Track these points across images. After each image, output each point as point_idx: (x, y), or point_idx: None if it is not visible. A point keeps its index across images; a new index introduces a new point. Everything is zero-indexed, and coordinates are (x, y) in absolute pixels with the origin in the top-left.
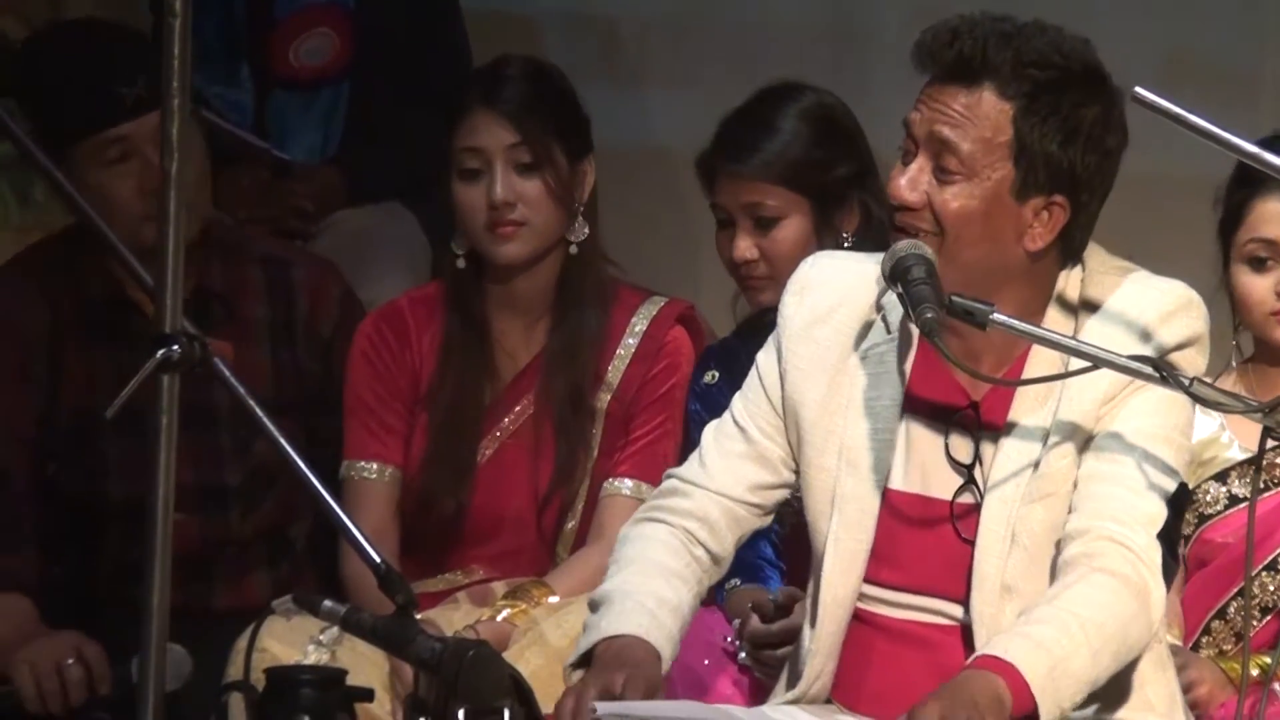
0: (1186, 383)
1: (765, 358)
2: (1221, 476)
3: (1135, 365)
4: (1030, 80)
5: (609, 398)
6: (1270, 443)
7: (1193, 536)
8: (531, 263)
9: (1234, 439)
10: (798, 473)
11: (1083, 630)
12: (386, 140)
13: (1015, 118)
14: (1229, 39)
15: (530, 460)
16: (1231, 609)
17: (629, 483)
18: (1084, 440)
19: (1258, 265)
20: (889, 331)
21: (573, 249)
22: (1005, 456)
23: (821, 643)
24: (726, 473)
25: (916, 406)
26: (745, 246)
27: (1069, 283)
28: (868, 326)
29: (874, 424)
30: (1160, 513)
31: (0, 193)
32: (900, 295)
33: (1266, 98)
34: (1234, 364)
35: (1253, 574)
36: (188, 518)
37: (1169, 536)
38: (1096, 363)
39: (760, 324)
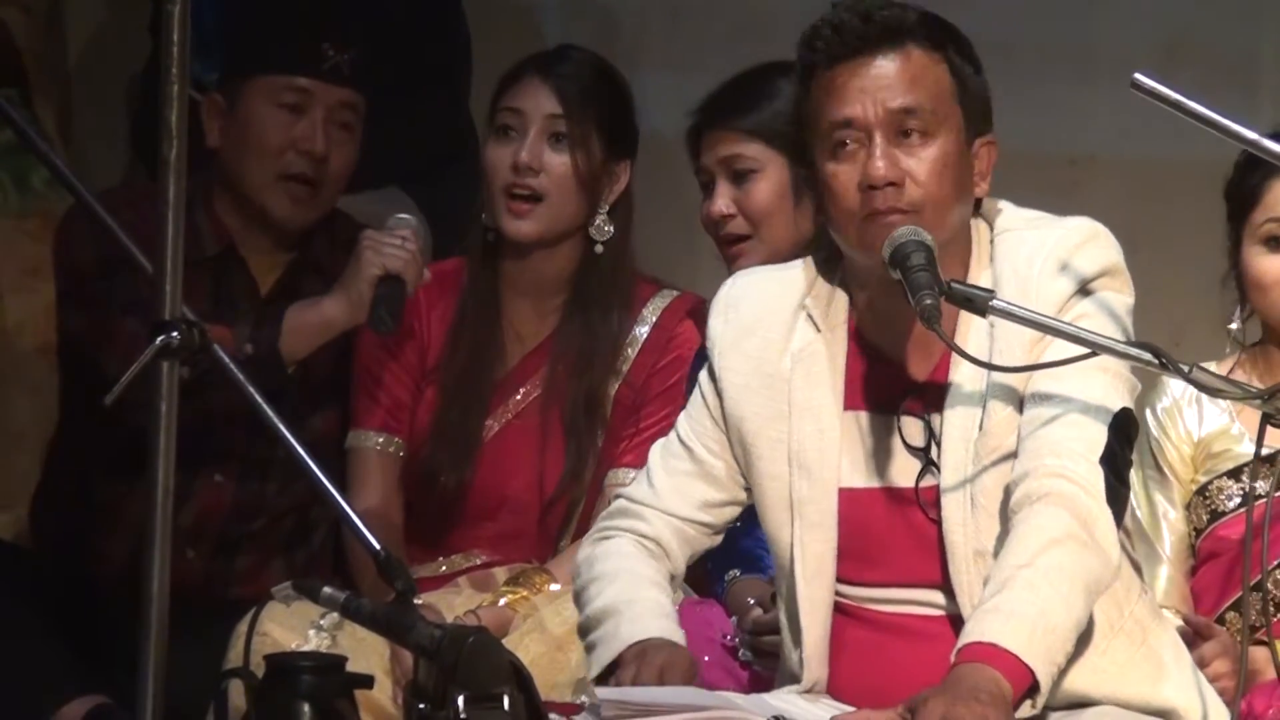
0: (1186, 370)
1: (703, 378)
2: (1236, 473)
3: (1134, 352)
4: (936, 26)
5: (618, 385)
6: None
7: (1205, 532)
8: (544, 243)
9: (1244, 431)
10: (749, 489)
11: (1046, 580)
12: (385, 126)
13: (949, 61)
14: (1228, 24)
15: (535, 446)
16: (1247, 599)
17: (632, 473)
18: (1021, 387)
19: (1274, 245)
20: (817, 329)
21: (597, 247)
22: (952, 428)
23: (811, 650)
24: (674, 492)
25: (859, 400)
26: (722, 202)
27: (980, 237)
28: (793, 329)
29: (818, 423)
30: (1099, 438)
31: None
32: (899, 281)
33: (1265, 83)
34: (1229, 350)
35: (1267, 569)
36: (225, 482)
37: (1113, 461)
38: (1094, 349)
39: None
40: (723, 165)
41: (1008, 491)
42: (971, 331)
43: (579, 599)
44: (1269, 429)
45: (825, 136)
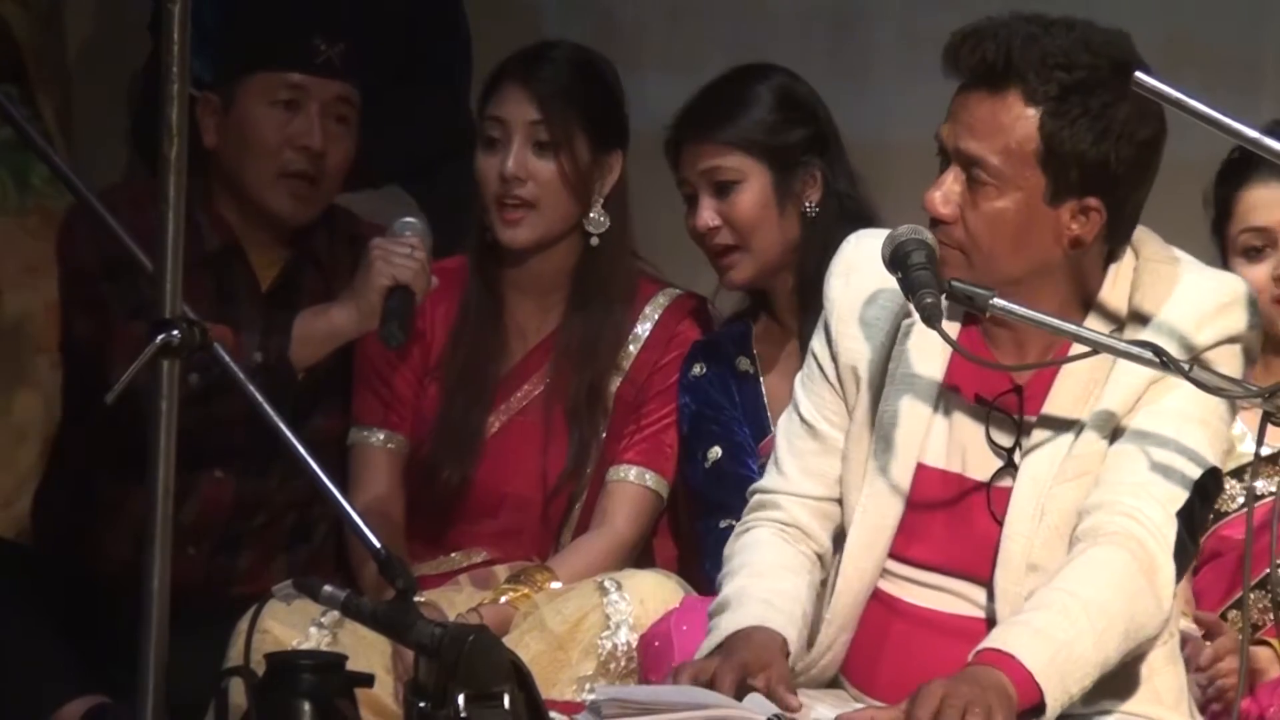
0: (1186, 367)
1: (818, 345)
2: (1239, 472)
3: (1135, 350)
4: (1057, 82)
5: (620, 381)
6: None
7: (1209, 531)
8: (541, 247)
9: (1248, 431)
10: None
11: (1085, 612)
12: (386, 126)
13: (1042, 123)
14: (1229, 22)
15: (538, 442)
16: (1249, 599)
17: (634, 469)
18: (1120, 420)
19: (1253, 255)
20: None
21: (593, 240)
22: (1042, 440)
23: (837, 614)
24: (804, 474)
25: (958, 384)
26: (707, 215)
27: (1118, 276)
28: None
29: (911, 399)
30: (1181, 492)
31: None
32: (900, 281)
33: (1268, 81)
34: None
35: (1265, 572)
36: (226, 479)
37: (1190, 517)
38: (1096, 348)
39: (744, 321)
40: (704, 178)
41: (1079, 516)
42: (1084, 365)
43: (717, 593)
44: (1270, 428)
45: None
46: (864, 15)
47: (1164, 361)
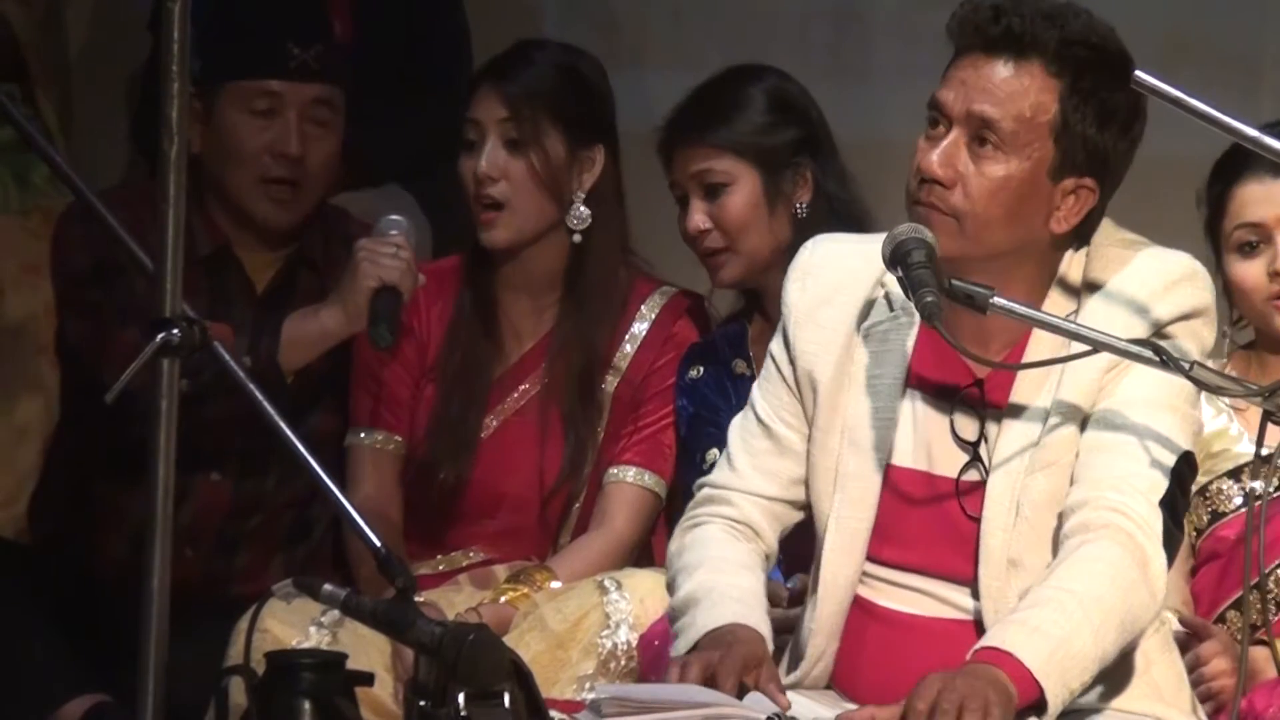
0: (1187, 366)
1: (776, 347)
2: (1235, 473)
3: (1135, 349)
4: (1075, 59)
5: (617, 382)
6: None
7: (1206, 532)
8: (520, 247)
9: (1243, 432)
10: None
11: (1081, 607)
12: (386, 124)
13: (1061, 96)
14: (1229, 20)
15: (534, 442)
16: (1249, 599)
17: (632, 470)
18: (1086, 410)
19: (1247, 250)
20: (891, 309)
21: (575, 237)
22: (1009, 433)
23: (822, 623)
24: (757, 472)
25: (921, 383)
26: (698, 218)
27: (1073, 260)
28: (870, 305)
29: (876, 402)
30: (1162, 481)
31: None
32: (900, 279)
33: (1267, 80)
34: (1224, 356)
35: (1265, 571)
36: (223, 480)
37: (1172, 505)
38: (1096, 346)
39: (739, 322)
40: (694, 180)
41: (1061, 516)
42: (1043, 349)
43: (669, 589)
44: (1261, 420)
45: (927, 108)
46: (863, 13)
47: (1164, 361)
